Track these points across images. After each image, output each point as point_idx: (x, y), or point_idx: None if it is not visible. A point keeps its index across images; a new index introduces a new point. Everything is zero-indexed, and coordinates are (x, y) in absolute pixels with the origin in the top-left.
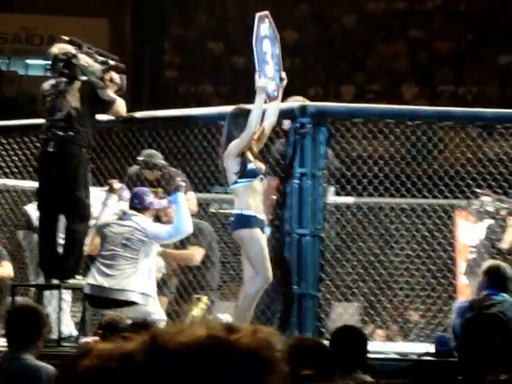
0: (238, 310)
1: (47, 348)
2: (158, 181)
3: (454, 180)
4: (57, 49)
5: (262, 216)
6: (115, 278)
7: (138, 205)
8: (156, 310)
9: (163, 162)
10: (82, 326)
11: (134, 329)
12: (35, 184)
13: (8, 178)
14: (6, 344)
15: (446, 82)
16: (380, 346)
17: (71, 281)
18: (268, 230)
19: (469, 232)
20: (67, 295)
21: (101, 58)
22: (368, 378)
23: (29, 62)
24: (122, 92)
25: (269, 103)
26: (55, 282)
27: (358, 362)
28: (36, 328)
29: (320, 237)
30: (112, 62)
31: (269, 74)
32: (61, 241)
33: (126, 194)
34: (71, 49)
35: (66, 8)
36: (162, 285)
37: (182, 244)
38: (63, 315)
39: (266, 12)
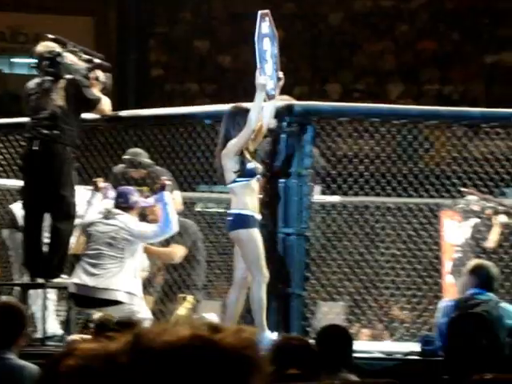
0: (254, 316)
1: (32, 347)
2: (144, 179)
3: (440, 179)
4: (42, 47)
5: (259, 216)
6: (100, 277)
7: (123, 204)
8: (141, 309)
9: (149, 160)
10: (66, 325)
11: (118, 328)
12: (20, 183)
13: None
14: None
15: (432, 81)
16: (366, 346)
17: (56, 280)
18: None
19: (454, 231)
20: (52, 294)
21: (86, 57)
22: (354, 378)
23: (14, 60)
24: (108, 90)
25: (267, 101)
26: (40, 280)
27: (344, 362)
28: (17, 326)
29: (305, 236)
30: (97, 61)
31: (268, 73)
32: (46, 240)
33: (111, 192)
34: (56, 47)
35: (51, 6)
36: (147, 284)
37: (167, 242)
38: (48, 314)
39: (267, 11)
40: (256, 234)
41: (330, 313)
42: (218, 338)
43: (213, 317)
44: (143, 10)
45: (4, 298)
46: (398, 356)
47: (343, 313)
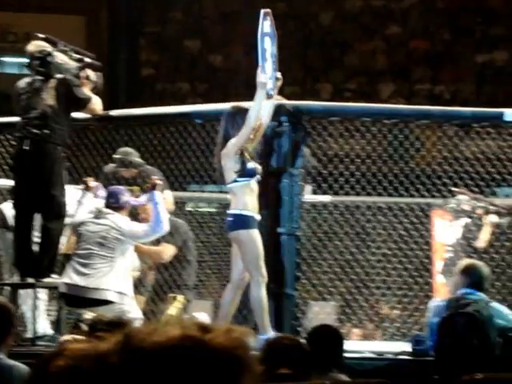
0: (256, 317)
1: (22, 347)
2: (135, 179)
3: (431, 178)
4: (32, 46)
5: (259, 216)
6: (91, 276)
7: (113, 203)
8: (132, 309)
9: (139, 160)
10: (57, 325)
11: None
12: (10, 182)
13: None
14: None
15: (423, 80)
16: (356, 345)
17: (46, 279)
18: None
19: (445, 231)
20: (42, 294)
21: (77, 56)
22: (344, 378)
23: (3, 59)
24: (98, 90)
25: (266, 101)
26: (30, 280)
27: (335, 362)
28: (6, 325)
29: (296, 235)
30: (88, 60)
31: (268, 72)
32: (36, 239)
33: (102, 192)
34: (47, 46)
35: (42, 5)
36: (138, 283)
37: (158, 241)
38: (38, 314)
39: (269, 10)
40: (256, 234)
41: (320, 313)
42: (208, 338)
43: (203, 316)
44: (134, 8)
45: None
46: (389, 356)
47: (334, 313)
